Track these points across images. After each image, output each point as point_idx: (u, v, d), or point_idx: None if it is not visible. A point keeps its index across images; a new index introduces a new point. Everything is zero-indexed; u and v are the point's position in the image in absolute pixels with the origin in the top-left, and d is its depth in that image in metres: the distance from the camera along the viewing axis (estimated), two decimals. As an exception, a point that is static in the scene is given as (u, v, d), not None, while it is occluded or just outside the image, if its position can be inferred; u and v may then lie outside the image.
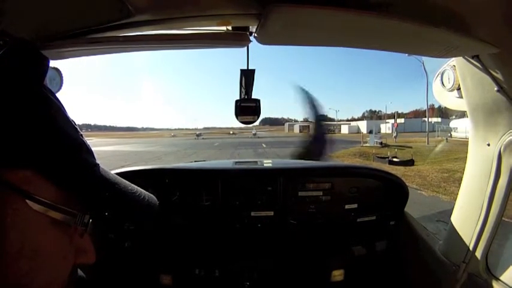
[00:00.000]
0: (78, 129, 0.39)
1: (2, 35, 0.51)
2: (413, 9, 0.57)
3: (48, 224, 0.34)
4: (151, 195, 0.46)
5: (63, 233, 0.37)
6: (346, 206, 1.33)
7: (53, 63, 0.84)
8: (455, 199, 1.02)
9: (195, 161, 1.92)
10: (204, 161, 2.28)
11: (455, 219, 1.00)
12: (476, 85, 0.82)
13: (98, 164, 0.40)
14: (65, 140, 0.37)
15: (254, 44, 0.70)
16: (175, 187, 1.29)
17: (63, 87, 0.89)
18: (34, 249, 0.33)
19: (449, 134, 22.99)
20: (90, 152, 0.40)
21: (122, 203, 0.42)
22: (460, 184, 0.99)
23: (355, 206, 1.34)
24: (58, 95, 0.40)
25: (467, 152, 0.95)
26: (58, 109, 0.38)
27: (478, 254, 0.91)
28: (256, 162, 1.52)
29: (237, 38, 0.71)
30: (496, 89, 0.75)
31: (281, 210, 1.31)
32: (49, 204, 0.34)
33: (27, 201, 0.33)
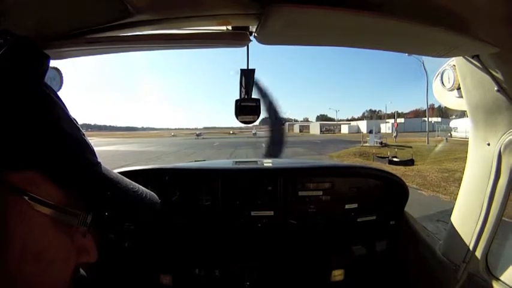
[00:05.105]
0: (80, 128, 0.39)
1: (3, 34, 0.50)
2: (413, 9, 0.57)
3: (51, 224, 0.34)
4: (152, 193, 0.46)
5: (66, 233, 0.36)
6: (346, 206, 1.34)
7: (53, 63, 0.84)
8: (455, 199, 1.02)
9: (195, 161, 1.92)
10: (204, 160, 2.28)
11: (455, 219, 1.00)
12: (476, 85, 0.81)
13: (100, 163, 0.40)
14: (68, 140, 0.36)
15: (254, 44, 0.70)
16: (175, 187, 1.29)
17: (63, 87, 0.89)
18: (37, 250, 0.33)
19: (449, 134, 22.97)
20: (92, 151, 0.39)
21: (124, 202, 0.42)
22: (460, 184, 0.99)
23: (355, 205, 1.34)
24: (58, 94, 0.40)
25: (467, 151, 0.95)
26: (60, 108, 0.37)
27: (478, 254, 0.91)
28: (256, 162, 1.52)
29: (237, 37, 0.71)
30: (496, 88, 0.75)
31: (281, 210, 1.31)
32: (52, 205, 0.34)
33: (30, 202, 0.32)
